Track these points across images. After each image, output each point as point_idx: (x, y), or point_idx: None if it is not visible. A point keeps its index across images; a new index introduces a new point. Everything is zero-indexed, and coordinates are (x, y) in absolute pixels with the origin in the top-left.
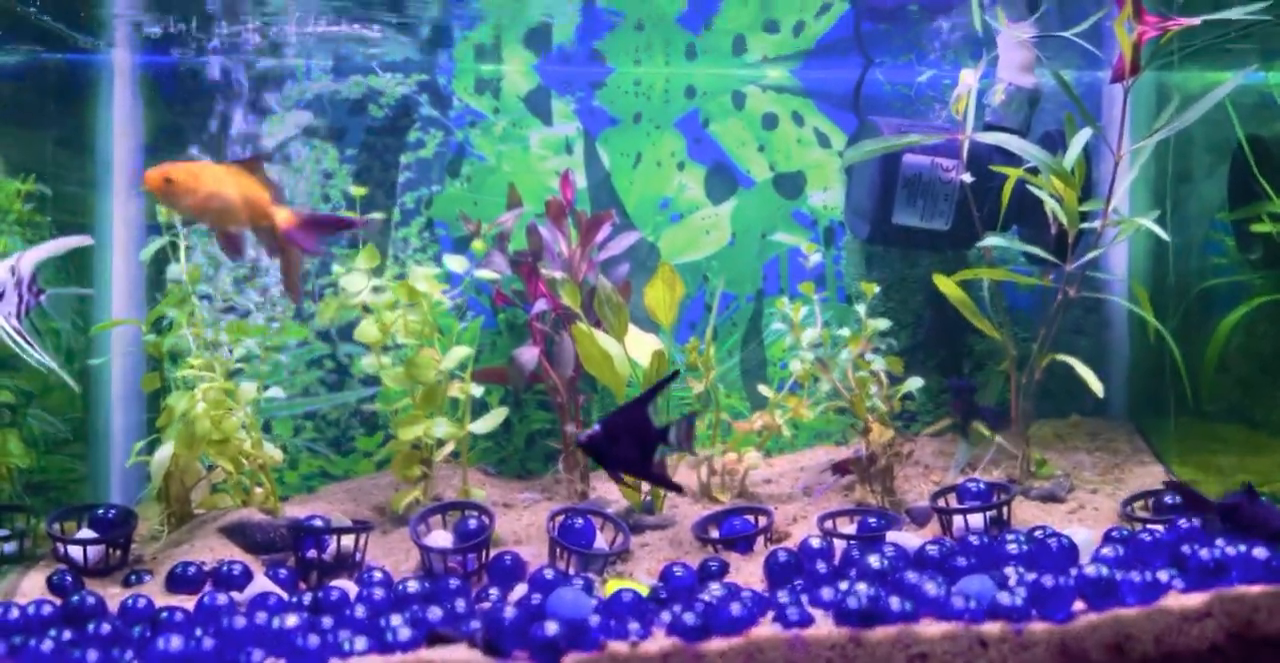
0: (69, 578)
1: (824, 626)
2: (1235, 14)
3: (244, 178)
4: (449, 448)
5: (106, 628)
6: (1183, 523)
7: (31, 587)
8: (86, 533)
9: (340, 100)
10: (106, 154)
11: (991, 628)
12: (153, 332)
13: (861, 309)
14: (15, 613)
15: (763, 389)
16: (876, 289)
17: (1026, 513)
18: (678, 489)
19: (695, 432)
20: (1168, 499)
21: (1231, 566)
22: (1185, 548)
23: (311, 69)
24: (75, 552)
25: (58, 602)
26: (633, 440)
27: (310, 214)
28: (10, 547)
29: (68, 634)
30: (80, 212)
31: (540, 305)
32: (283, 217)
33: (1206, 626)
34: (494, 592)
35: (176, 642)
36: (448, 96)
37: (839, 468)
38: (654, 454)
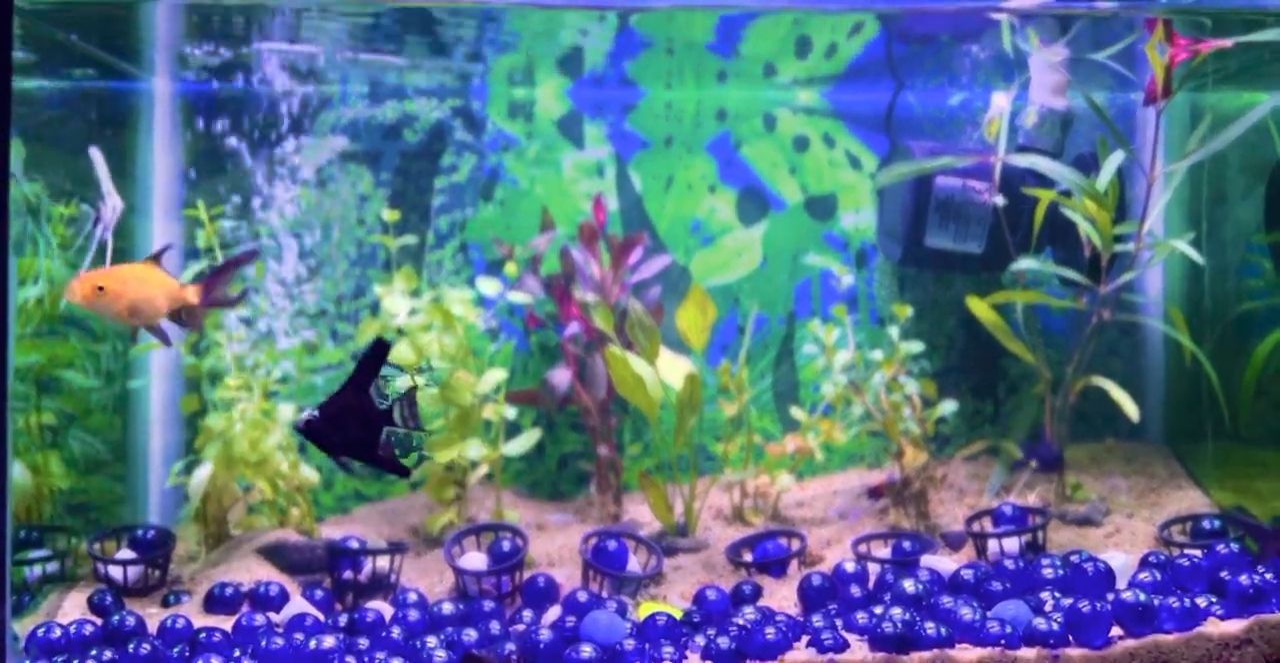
0: (109, 598)
1: (859, 651)
2: (1269, 36)
3: (157, 273)
4: (483, 470)
5: (146, 648)
6: (1221, 548)
7: (72, 607)
8: (126, 553)
9: (375, 125)
10: (146, 179)
11: (1028, 654)
12: (192, 354)
13: (894, 332)
14: (57, 633)
15: (795, 412)
16: (909, 312)
17: (1062, 537)
18: (404, 473)
19: (419, 407)
20: (1206, 524)
21: (1271, 592)
22: (1224, 574)
23: (347, 94)
24: (115, 572)
25: (98, 622)
26: (355, 423)
27: (207, 278)
28: (52, 567)
29: (108, 654)
30: (121, 235)
31: (573, 328)
32: (193, 293)
33: (1246, 653)
34: (528, 614)
35: (215, 662)
36: (481, 121)
37: (873, 492)
38: (379, 436)
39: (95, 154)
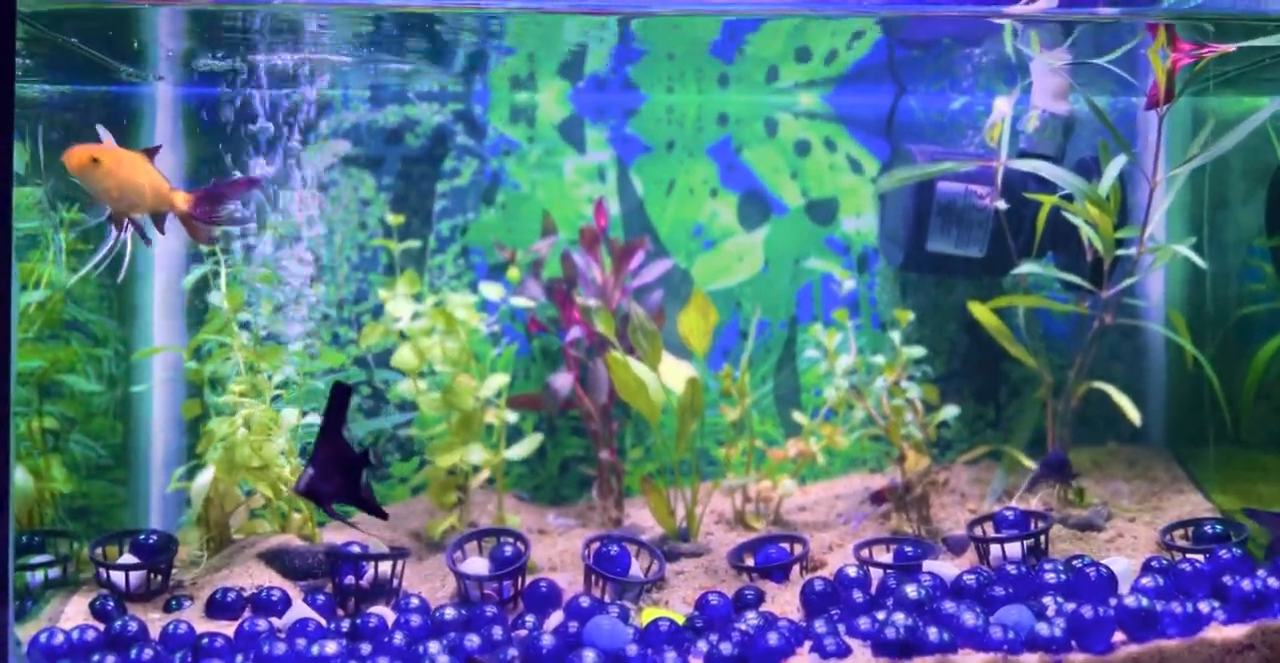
0: (111, 603)
1: (861, 656)
2: (1271, 41)
3: (149, 166)
4: (484, 474)
5: (149, 653)
6: (1224, 553)
7: (75, 612)
8: (128, 558)
9: (377, 129)
10: None
11: (1030, 659)
12: (194, 358)
13: (896, 336)
14: (59, 638)
15: (797, 416)
16: (911, 316)
17: (1064, 542)
18: (384, 515)
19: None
20: (1208, 529)
21: (1274, 597)
22: (1226, 578)
23: (349, 99)
24: (117, 577)
25: (100, 627)
26: (340, 470)
27: (203, 191)
28: (54, 572)
29: (111, 659)
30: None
31: (574, 332)
32: (181, 199)
33: (1249, 658)
34: (530, 619)
35: None
36: (483, 125)
37: (876, 497)
38: (361, 479)
39: (105, 137)
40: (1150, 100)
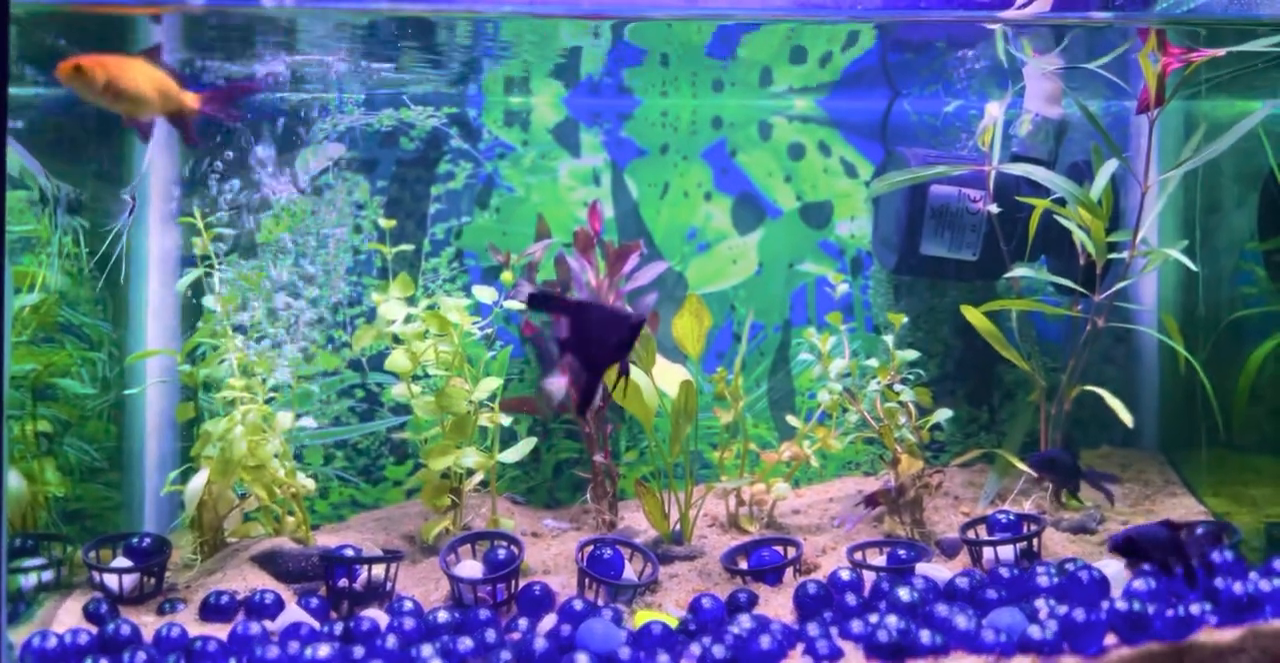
0: (104, 606)
1: (854, 659)
2: (1261, 45)
3: (150, 68)
4: (478, 477)
5: (142, 657)
6: (1215, 556)
7: (68, 615)
8: (122, 561)
9: (372, 133)
10: (142, 187)
11: (1022, 662)
12: (188, 362)
13: (889, 339)
14: (52, 641)
15: (791, 419)
16: (904, 319)
17: (1057, 545)
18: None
19: None
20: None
21: (1265, 600)
22: (1218, 581)
23: (344, 102)
24: (111, 580)
25: (94, 630)
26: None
27: (211, 91)
28: (47, 575)
29: None
30: (114, 241)
31: None
32: (191, 98)
33: (1240, 661)
34: (523, 622)
35: None
36: (477, 129)
37: (869, 500)
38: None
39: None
40: (1142, 104)
